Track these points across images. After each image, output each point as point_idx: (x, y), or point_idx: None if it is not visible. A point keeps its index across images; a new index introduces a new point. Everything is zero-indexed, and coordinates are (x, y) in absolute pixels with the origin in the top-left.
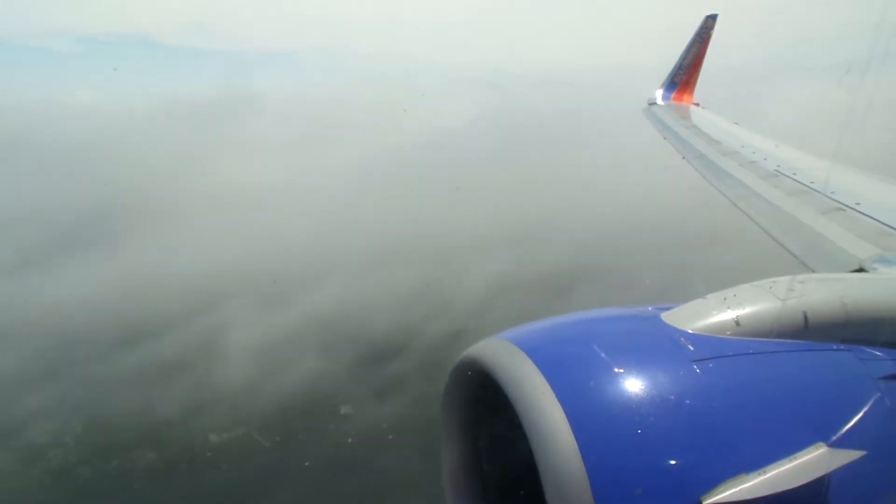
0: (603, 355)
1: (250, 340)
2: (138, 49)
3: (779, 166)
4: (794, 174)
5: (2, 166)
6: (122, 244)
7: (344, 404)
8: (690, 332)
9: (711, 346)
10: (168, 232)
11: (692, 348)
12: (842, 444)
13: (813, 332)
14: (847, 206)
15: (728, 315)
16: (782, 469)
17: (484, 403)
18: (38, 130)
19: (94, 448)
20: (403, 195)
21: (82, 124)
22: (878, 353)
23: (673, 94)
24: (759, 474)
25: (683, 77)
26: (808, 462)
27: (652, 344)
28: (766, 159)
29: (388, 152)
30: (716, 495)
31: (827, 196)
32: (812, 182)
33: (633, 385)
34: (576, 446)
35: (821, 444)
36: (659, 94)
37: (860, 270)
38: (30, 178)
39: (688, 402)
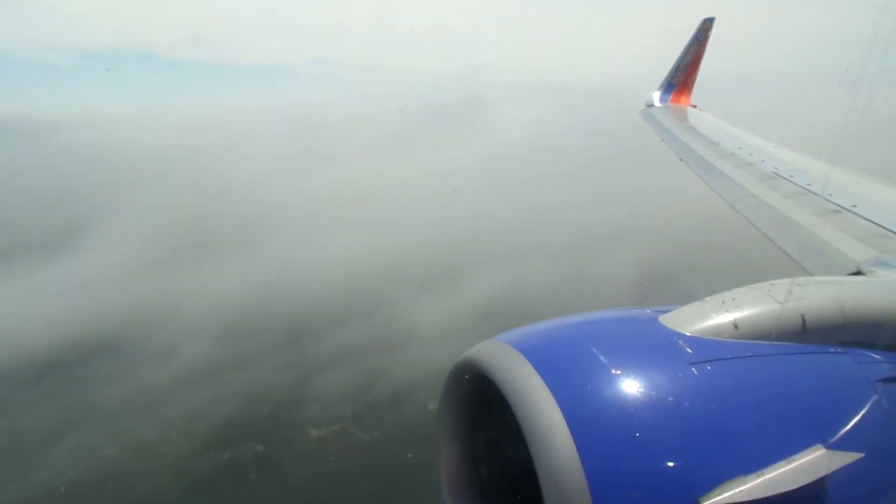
0: (601, 357)
1: (338, 340)
2: (139, 62)
3: (776, 168)
4: (792, 176)
5: (90, 175)
6: (258, 245)
7: (430, 401)
8: (688, 334)
9: (709, 349)
10: (290, 235)
11: (690, 351)
12: (840, 446)
13: (811, 334)
14: (844, 208)
15: (726, 318)
16: (781, 471)
17: (482, 406)
18: (99, 140)
19: (205, 442)
20: (487, 196)
21: (139, 134)
22: (876, 356)
23: (670, 96)
24: (758, 476)
25: (681, 79)
26: (807, 464)
27: (650, 346)
28: (763, 161)
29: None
30: (714, 497)
31: (824, 198)
32: (809, 184)
33: (632, 387)
34: (574, 448)
35: (819, 446)
36: (656, 95)
37: (858, 273)
38: (129, 187)
39: (686, 404)
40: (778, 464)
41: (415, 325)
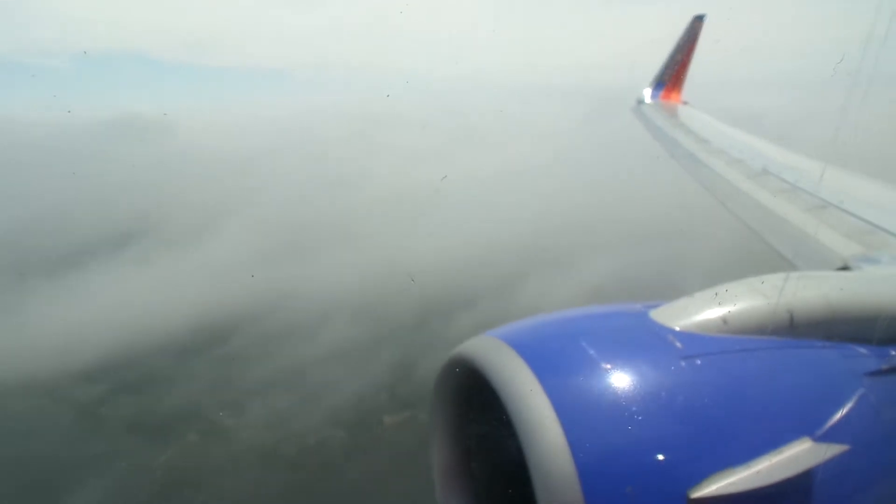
0: (592, 352)
1: (436, 329)
2: (134, 66)
3: (765, 165)
4: (781, 173)
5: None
6: (361, 237)
7: None
8: (678, 329)
9: (699, 344)
10: (391, 227)
11: (680, 346)
12: (826, 438)
13: (799, 329)
14: (832, 204)
15: (715, 313)
16: (768, 463)
17: (474, 401)
18: (157, 141)
19: (287, 430)
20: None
21: (193, 136)
22: (862, 350)
23: (661, 93)
24: (746, 468)
25: (672, 76)
26: (794, 456)
27: (640, 341)
28: (752, 158)
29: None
30: (704, 489)
31: (812, 194)
32: (798, 180)
33: (622, 382)
34: (565, 443)
35: (806, 438)
36: (647, 92)
37: (845, 268)
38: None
39: (676, 398)
40: (766, 456)
41: (511, 314)
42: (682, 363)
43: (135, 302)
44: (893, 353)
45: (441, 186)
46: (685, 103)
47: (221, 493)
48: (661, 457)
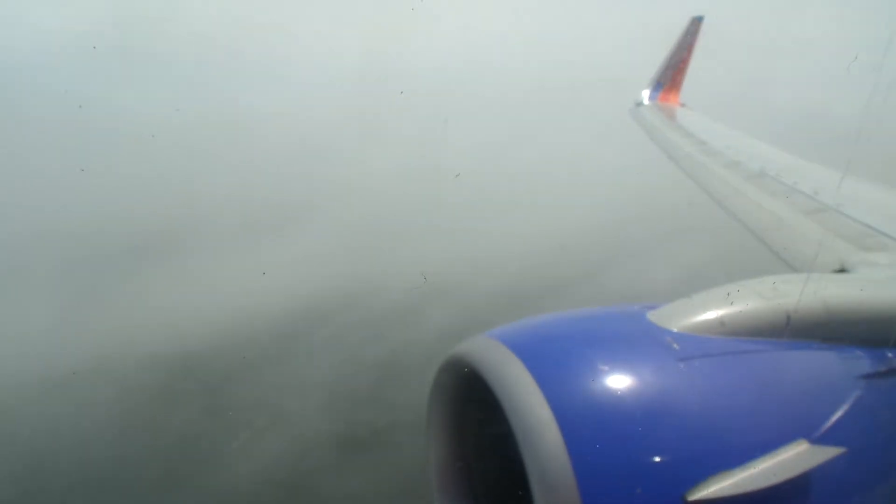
0: (590, 354)
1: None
2: (134, 60)
3: (763, 167)
4: (779, 175)
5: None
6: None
7: None
8: (676, 331)
9: (696, 345)
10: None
11: (677, 347)
12: (823, 440)
13: (795, 331)
14: (829, 207)
15: (713, 314)
16: (765, 465)
17: (472, 402)
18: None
19: (357, 415)
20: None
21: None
22: (858, 352)
23: (659, 95)
24: (743, 470)
25: (670, 78)
26: (791, 458)
27: (638, 343)
28: (750, 160)
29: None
30: (701, 492)
31: (810, 197)
32: (795, 183)
33: (620, 383)
34: (563, 444)
35: (803, 440)
36: (645, 94)
37: (842, 271)
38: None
39: (673, 400)
40: (762, 458)
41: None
42: (680, 365)
43: (213, 293)
44: (890, 355)
45: (480, 184)
46: (683, 105)
47: (289, 477)
48: (658, 458)
